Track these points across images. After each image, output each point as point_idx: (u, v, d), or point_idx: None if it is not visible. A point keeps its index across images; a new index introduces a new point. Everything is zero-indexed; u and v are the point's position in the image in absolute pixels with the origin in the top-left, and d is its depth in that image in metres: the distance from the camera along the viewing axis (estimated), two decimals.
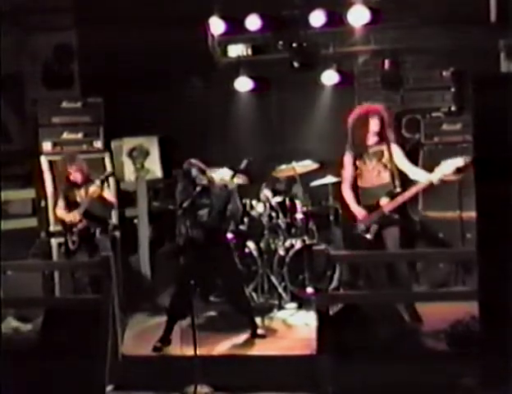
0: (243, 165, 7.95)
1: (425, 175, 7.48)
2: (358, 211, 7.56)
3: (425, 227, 9.20)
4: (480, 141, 4.56)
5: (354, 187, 7.65)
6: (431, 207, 9.07)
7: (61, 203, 8.68)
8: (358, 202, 7.62)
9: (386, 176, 7.55)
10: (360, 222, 7.53)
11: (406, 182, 7.62)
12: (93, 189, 8.42)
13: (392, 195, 7.47)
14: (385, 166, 7.55)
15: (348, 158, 7.70)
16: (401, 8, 9.30)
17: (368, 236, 7.50)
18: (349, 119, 7.73)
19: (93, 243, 8.51)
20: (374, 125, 7.58)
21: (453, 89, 9.34)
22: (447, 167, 7.31)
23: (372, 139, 7.60)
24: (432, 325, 6.95)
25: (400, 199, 7.46)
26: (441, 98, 9.57)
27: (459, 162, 7.33)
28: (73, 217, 8.52)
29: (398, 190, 7.49)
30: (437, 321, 6.96)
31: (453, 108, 9.32)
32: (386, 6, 9.26)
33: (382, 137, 7.60)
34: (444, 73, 9.46)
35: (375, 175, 7.58)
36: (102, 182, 8.57)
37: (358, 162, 7.63)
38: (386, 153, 7.56)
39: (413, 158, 9.19)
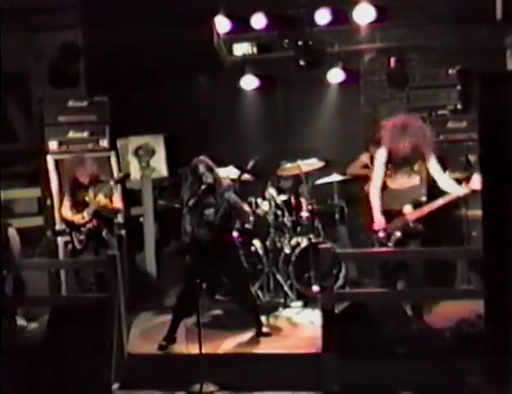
0: (250, 165, 7.94)
1: (454, 187, 7.28)
2: (379, 221, 7.26)
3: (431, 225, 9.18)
4: (486, 139, 4.55)
5: (382, 189, 7.35)
6: None
7: (66, 203, 8.67)
8: (383, 203, 7.30)
9: (415, 180, 7.30)
10: (379, 232, 7.29)
11: (434, 191, 7.45)
12: (99, 198, 8.42)
13: (416, 204, 7.25)
14: (416, 171, 7.30)
15: (380, 158, 7.39)
16: (407, 6, 9.30)
17: (390, 245, 7.27)
18: (385, 127, 7.49)
19: (99, 242, 8.51)
20: (410, 136, 7.25)
21: (459, 87, 9.33)
22: (478, 185, 7.12)
23: (407, 149, 7.28)
24: (437, 323, 6.94)
25: (425, 210, 7.28)
26: (447, 96, 9.55)
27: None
28: (81, 217, 8.51)
29: (423, 198, 7.31)
30: (443, 319, 6.95)
31: (459, 106, 9.30)
32: (392, 4, 9.26)
33: (418, 148, 7.29)
34: (450, 71, 9.44)
35: (405, 177, 7.32)
36: (116, 183, 8.58)
37: (389, 165, 7.35)
38: (419, 160, 7.31)
39: None
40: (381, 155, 7.40)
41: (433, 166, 7.34)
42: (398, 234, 7.25)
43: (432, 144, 7.45)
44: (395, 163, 7.34)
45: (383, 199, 7.33)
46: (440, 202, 7.28)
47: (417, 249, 7.56)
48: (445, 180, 7.35)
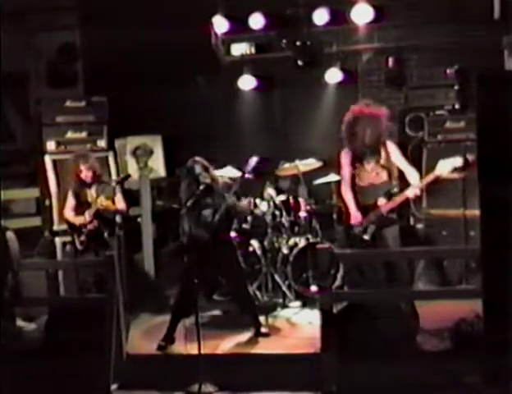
0: (251, 166, 7.90)
1: (416, 178, 7.45)
2: (355, 215, 7.49)
3: (429, 225, 9.20)
4: (484, 139, 4.56)
5: (353, 187, 7.57)
6: (435, 205, 9.07)
7: (70, 203, 8.64)
8: (357, 201, 7.53)
9: (384, 175, 7.50)
10: (355, 225, 7.51)
11: (404, 181, 7.59)
12: (100, 199, 8.40)
13: (390, 195, 7.45)
14: (382, 166, 7.50)
15: (345, 158, 7.60)
16: (405, 6, 9.31)
17: (366, 237, 7.47)
18: (344, 119, 7.62)
19: (100, 243, 8.49)
20: (369, 128, 7.44)
21: (456, 87, 9.34)
22: (444, 168, 7.31)
23: (368, 140, 7.47)
24: (436, 323, 6.94)
25: (398, 200, 7.44)
26: (445, 95, 9.56)
27: (457, 161, 7.32)
28: (83, 218, 8.50)
29: (395, 190, 7.47)
30: (442, 319, 6.94)
31: (456, 106, 9.32)
32: (390, 4, 9.27)
33: (378, 138, 7.49)
34: (448, 71, 9.45)
35: (373, 175, 7.53)
36: (117, 183, 8.56)
37: (355, 163, 7.54)
38: (383, 153, 7.51)
39: (416, 156, 9.23)
40: (345, 156, 7.60)
41: (397, 157, 7.54)
42: (373, 227, 7.43)
43: (392, 131, 7.72)
44: (359, 159, 7.51)
45: (356, 197, 7.54)
46: (408, 192, 7.44)
47: (417, 249, 7.62)
48: (408, 171, 7.52)
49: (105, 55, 9.71)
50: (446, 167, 7.33)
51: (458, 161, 7.31)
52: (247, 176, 8.12)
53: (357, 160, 7.55)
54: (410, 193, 7.42)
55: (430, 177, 7.46)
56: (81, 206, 8.55)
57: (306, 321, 8.17)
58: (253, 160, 7.91)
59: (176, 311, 7.61)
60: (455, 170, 7.41)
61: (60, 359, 6.53)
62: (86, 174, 8.54)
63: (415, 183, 7.42)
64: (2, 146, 9.59)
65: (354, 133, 7.48)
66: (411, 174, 7.50)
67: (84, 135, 9.73)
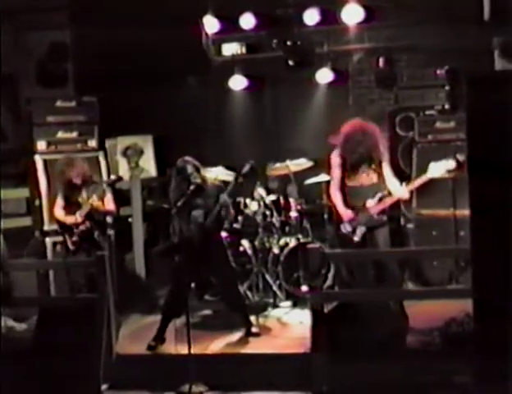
0: (245, 169, 7.90)
1: (399, 192, 7.50)
2: (345, 212, 7.50)
3: (419, 225, 9.22)
4: (474, 139, 4.57)
5: (342, 187, 7.58)
6: (424, 205, 9.09)
7: (59, 203, 8.62)
8: (346, 201, 7.54)
9: (374, 177, 7.51)
10: (346, 224, 7.52)
11: None
12: (92, 200, 8.38)
13: (379, 197, 7.45)
14: (374, 170, 7.51)
15: (336, 160, 7.61)
16: (395, 6, 9.32)
17: (355, 238, 7.48)
18: (341, 131, 7.62)
19: (92, 244, 8.47)
20: (364, 142, 7.46)
21: (447, 87, 9.36)
22: (437, 170, 7.34)
23: (361, 154, 7.49)
24: (426, 323, 6.96)
25: (387, 202, 7.45)
26: (435, 96, 9.60)
27: (449, 164, 7.35)
28: (74, 218, 8.47)
29: (385, 192, 7.48)
30: (432, 319, 6.96)
31: (447, 106, 9.33)
32: (380, 4, 9.28)
33: (372, 153, 7.49)
34: (438, 71, 9.47)
35: (364, 176, 7.53)
36: (109, 185, 8.55)
37: (346, 165, 7.55)
38: (376, 161, 7.50)
39: (406, 156, 9.26)
40: (335, 159, 7.61)
41: (386, 170, 7.54)
42: (363, 228, 7.44)
43: (385, 148, 7.69)
44: (351, 165, 7.52)
45: (345, 198, 7.54)
46: (398, 195, 7.49)
47: (407, 250, 7.62)
48: (394, 184, 7.51)
49: (96, 55, 9.67)
50: (439, 169, 7.35)
51: (450, 163, 7.33)
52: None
53: (348, 162, 7.55)
54: (400, 195, 7.44)
55: (422, 179, 7.48)
56: (71, 206, 8.53)
57: (297, 321, 8.18)
58: (247, 166, 7.90)
59: (166, 311, 7.61)
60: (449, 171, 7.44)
61: (50, 359, 6.52)
62: (76, 180, 8.53)
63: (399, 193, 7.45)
64: None
65: (350, 142, 7.47)
66: (394, 186, 7.49)
67: (74, 134, 9.70)
